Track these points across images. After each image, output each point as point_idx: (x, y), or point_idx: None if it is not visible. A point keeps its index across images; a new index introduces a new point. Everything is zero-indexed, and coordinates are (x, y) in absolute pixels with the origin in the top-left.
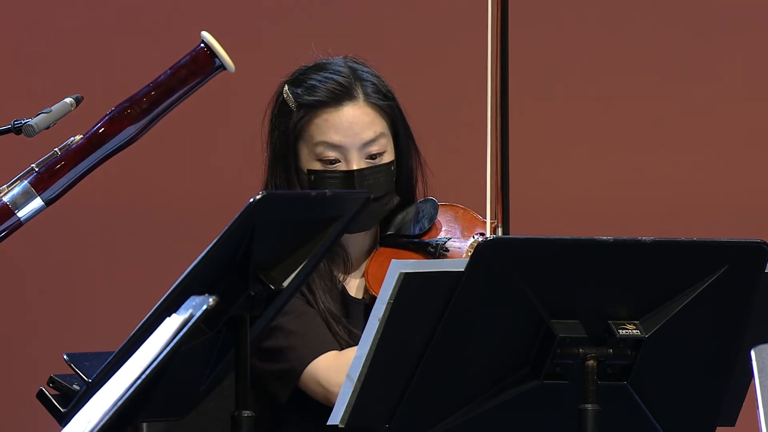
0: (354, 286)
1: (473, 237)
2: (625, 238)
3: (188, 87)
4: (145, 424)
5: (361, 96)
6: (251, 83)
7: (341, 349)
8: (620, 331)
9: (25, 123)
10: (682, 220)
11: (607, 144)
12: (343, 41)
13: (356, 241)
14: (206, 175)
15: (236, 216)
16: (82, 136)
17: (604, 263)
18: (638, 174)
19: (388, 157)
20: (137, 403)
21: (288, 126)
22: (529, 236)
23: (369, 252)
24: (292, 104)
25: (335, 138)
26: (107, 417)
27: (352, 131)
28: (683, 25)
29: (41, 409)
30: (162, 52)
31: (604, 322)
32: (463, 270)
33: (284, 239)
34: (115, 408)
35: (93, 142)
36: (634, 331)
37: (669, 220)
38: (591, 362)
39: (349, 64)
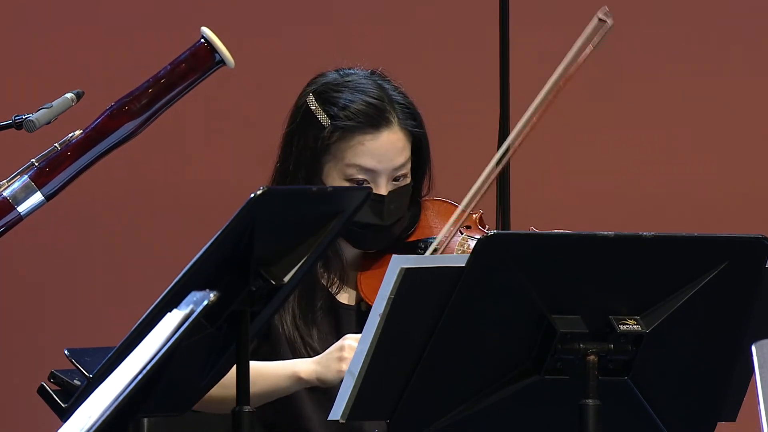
0: (344, 293)
1: (459, 232)
2: (626, 233)
3: (188, 82)
4: (146, 420)
5: (395, 121)
6: (253, 79)
7: None
8: (621, 326)
9: (26, 118)
10: (683, 215)
11: (607, 140)
12: (344, 40)
13: (348, 249)
14: (207, 170)
15: (237, 211)
16: (81, 131)
17: (605, 258)
18: (639, 169)
19: (409, 177)
20: (138, 399)
21: (318, 141)
22: (530, 232)
23: (358, 259)
24: (323, 120)
25: (369, 163)
26: (108, 412)
27: (387, 157)
28: (682, 22)
29: (42, 405)
30: (163, 47)
31: (605, 317)
32: (464, 265)
33: (285, 235)
34: (116, 403)
35: (93, 137)
36: (635, 326)
37: (670, 215)
38: (592, 357)
39: (378, 82)
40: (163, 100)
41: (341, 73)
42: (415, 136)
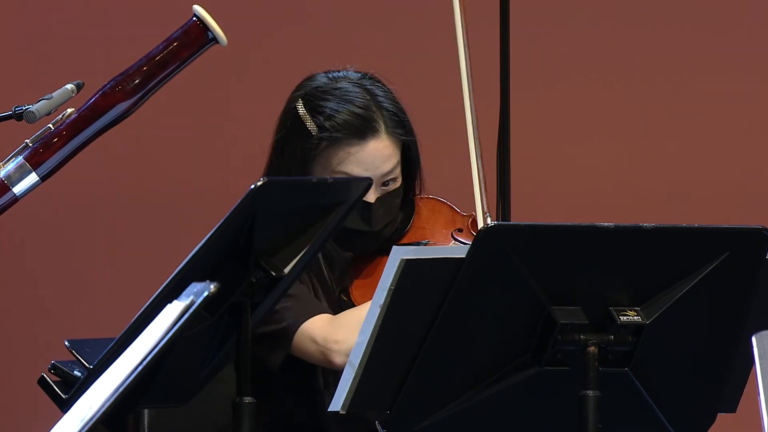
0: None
1: (452, 237)
2: (626, 224)
3: (180, 60)
4: (146, 411)
5: (383, 129)
6: (254, 67)
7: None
8: (621, 317)
9: (26, 109)
10: (683, 206)
11: (607, 132)
12: (331, 34)
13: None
14: (208, 160)
15: (237, 202)
16: (75, 110)
17: (606, 250)
18: (639, 161)
19: (399, 181)
20: (138, 390)
21: (306, 147)
22: (531, 223)
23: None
24: (311, 128)
25: (357, 171)
26: (108, 403)
27: (374, 165)
28: (678, 15)
29: (42, 396)
30: (164, 37)
31: (606, 308)
32: (464, 256)
33: (285, 226)
34: (117, 394)
35: (86, 117)
36: (635, 317)
37: (670, 206)
38: (592, 348)
39: (367, 87)
40: (156, 79)
41: (330, 77)
42: (404, 143)
